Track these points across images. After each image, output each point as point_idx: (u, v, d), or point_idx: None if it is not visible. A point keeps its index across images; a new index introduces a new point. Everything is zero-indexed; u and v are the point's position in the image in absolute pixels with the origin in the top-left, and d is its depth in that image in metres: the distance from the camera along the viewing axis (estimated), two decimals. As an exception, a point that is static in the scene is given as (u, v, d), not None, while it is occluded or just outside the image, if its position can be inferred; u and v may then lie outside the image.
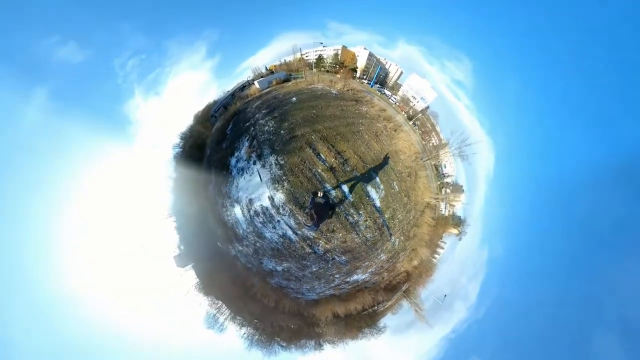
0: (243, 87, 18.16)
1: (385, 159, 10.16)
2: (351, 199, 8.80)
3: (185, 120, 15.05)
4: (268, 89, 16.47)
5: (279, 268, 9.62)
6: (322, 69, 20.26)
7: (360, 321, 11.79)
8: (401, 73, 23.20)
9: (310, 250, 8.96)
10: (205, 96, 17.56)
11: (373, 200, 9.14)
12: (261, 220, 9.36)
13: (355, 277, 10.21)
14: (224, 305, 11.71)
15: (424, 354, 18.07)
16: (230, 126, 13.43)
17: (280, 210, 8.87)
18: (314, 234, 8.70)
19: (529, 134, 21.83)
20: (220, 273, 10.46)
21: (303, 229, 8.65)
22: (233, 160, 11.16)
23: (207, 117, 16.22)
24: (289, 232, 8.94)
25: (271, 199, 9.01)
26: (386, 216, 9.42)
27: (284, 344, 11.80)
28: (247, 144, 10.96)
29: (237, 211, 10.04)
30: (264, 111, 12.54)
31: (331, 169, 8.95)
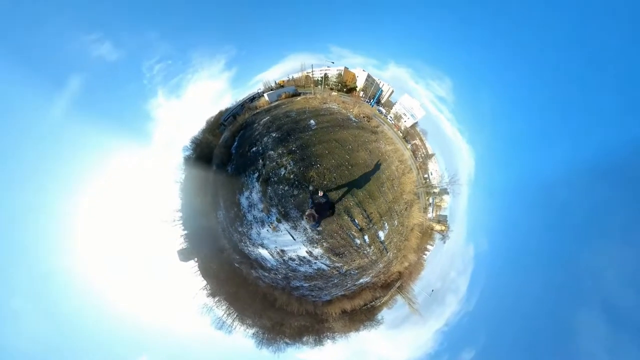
0: (253, 98, 19.49)
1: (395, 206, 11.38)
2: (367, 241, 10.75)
3: (198, 124, 16.89)
4: (277, 102, 17.28)
5: (306, 284, 11.45)
6: (327, 86, 23.01)
7: (361, 315, 14.33)
8: (392, 92, 27.05)
9: (337, 272, 10.97)
10: (220, 103, 19.90)
11: (380, 238, 11.21)
12: (297, 262, 10.19)
13: (361, 280, 12.75)
14: (242, 315, 12.97)
15: (419, 346, 20.46)
16: (235, 144, 13.30)
17: (319, 258, 9.86)
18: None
19: (503, 140, 26.29)
20: (239, 288, 11.72)
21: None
22: (243, 200, 10.22)
23: (217, 124, 17.40)
24: (324, 266, 10.52)
25: (309, 253, 9.67)
26: (386, 243, 11.57)
27: (289, 341, 13.74)
28: (259, 188, 9.73)
29: (265, 253, 10.17)
30: (274, 134, 10.96)
31: (361, 230, 9.87)
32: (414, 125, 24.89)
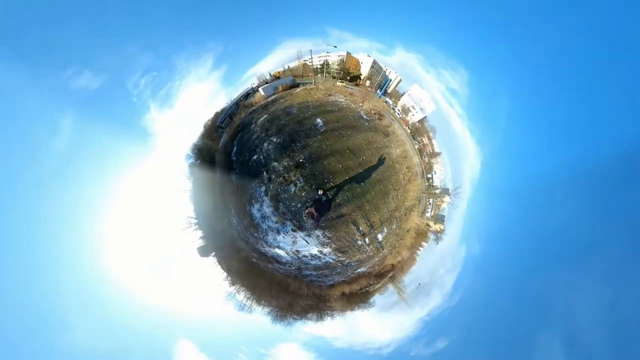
0: (247, 94, 18.73)
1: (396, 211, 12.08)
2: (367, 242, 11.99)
3: (197, 129, 17.17)
4: (274, 96, 16.32)
5: (315, 273, 13.40)
6: (328, 74, 21.69)
7: (357, 298, 16.89)
8: (400, 80, 25.53)
9: (340, 264, 12.72)
10: (214, 105, 19.75)
11: (378, 239, 12.33)
12: (309, 258, 11.50)
13: (358, 270, 14.79)
14: (261, 299, 15.33)
15: (403, 329, 23.43)
16: (234, 149, 12.86)
17: (327, 254, 11.17)
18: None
19: (516, 147, 25.10)
20: (257, 278, 13.54)
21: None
22: (255, 212, 10.34)
23: (214, 127, 17.25)
24: (331, 260, 12.10)
25: (320, 251, 10.89)
26: (383, 243, 12.75)
27: (297, 317, 16.59)
28: (269, 203, 9.69)
29: (281, 252, 11.18)
30: (274, 139, 9.95)
31: (363, 234, 11.06)
32: (422, 120, 24.10)
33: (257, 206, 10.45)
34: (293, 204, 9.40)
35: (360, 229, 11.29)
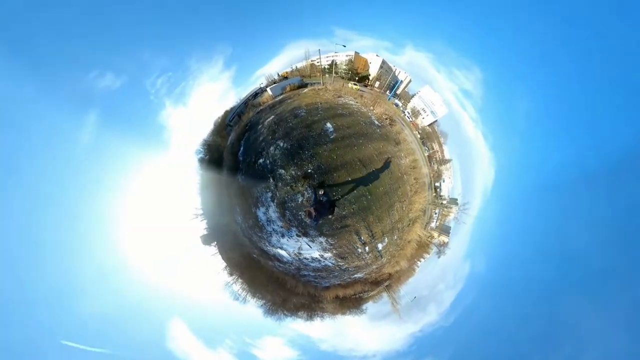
0: (256, 94, 19.13)
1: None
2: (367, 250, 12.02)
3: (207, 126, 17.95)
4: (282, 96, 16.28)
5: (312, 274, 13.46)
6: (336, 74, 21.26)
7: (350, 302, 16.99)
8: (410, 81, 24.29)
9: (338, 268, 12.74)
10: (225, 103, 20.42)
11: (378, 248, 12.33)
12: (309, 260, 11.66)
13: (355, 275, 14.79)
14: (256, 292, 15.73)
15: (391, 342, 21.85)
16: (241, 149, 12.78)
17: (327, 259, 11.37)
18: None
19: (536, 155, 21.13)
20: (256, 271, 13.91)
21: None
22: (260, 214, 10.46)
23: (223, 125, 17.71)
24: (330, 264, 12.16)
25: (321, 255, 11.15)
26: (382, 252, 12.75)
27: (288, 313, 16.89)
28: (275, 208, 9.75)
29: (283, 252, 11.46)
30: (281, 143, 9.62)
31: (364, 243, 11.22)
32: (432, 124, 23.33)
33: (262, 209, 10.44)
34: (300, 212, 9.45)
35: (362, 238, 11.30)
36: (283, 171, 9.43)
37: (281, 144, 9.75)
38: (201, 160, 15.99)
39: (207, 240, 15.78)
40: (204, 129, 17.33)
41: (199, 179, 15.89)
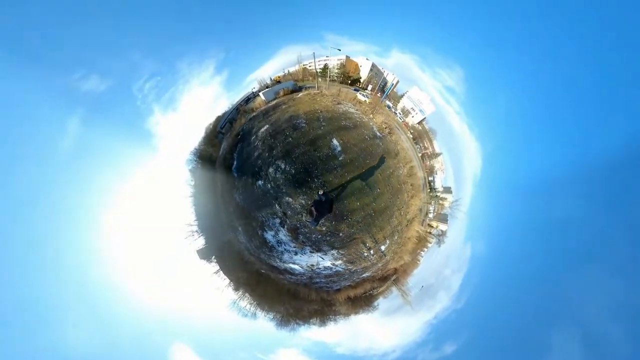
0: (248, 99, 18.74)
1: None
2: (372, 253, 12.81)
3: (198, 133, 17.34)
4: (275, 101, 16.03)
5: (324, 280, 13.91)
6: (329, 78, 21.69)
7: (361, 301, 17.55)
8: (398, 82, 25.81)
9: (348, 272, 13.31)
10: (217, 108, 19.92)
11: (382, 250, 13.04)
12: (322, 269, 12.23)
13: (363, 275, 15.38)
14: (269, 307, 15.80)
15: (408, 334, 22.58)
16: (235, 163, 12.38)
17: (338, 265, 12.02)
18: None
19: (517, 140, 23.48)
20: (266, 286, 13.92)
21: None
22: (269, 237, 10.63)
23: (215, 133, 17.13)
24: (340, 269, 12.67)
25: (333, 264, 11.87)
26: (385, 251, 13.37)
27: (301, 322, 17.15)
28: (286, 232, 10.02)
29: (295, 267, 11.91)
30: (282, 164, 9.01)
31: (369, 248, 12.07)
32: (422, 122, 24.51)
33: (271, 233, 10.41)
34: (314, 236, 9.74)
35: (367, 244, 12.37)
36: (291, 200, 9.20)
37: (282, 166, 9.37)
38: (193, 171, 15.42)
39: (204, 254, 15.15)
40: (195, 135, 16.75)
41: (191, 190, 15.31)
